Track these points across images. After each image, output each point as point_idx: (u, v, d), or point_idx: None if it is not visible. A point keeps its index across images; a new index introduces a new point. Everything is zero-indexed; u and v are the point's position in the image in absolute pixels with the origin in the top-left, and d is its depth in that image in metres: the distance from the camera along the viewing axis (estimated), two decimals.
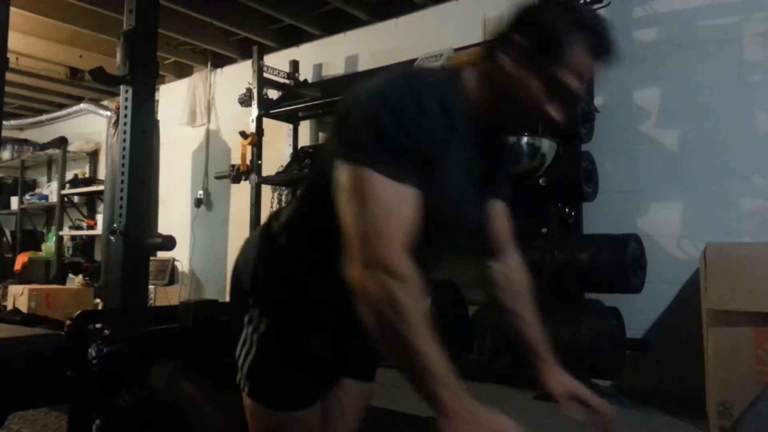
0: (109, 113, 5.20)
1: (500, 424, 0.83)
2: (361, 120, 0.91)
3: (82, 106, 5.92)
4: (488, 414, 0.83)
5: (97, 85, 5.22)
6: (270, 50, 4.56)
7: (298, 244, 1.09)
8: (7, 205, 6.69)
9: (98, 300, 4.43)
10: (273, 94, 4.34)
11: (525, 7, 1.03)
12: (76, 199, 6.18)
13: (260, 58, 4.19)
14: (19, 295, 4.47)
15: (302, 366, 1.12)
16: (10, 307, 4.31)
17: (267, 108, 4.20)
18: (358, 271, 0.86)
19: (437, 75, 1.07)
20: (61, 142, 6.16)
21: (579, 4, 1.08)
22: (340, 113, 0.99)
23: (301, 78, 4.40)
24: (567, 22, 0.98)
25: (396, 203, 0.87)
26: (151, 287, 4.27)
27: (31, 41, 4.63)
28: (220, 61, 5.10)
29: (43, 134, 6.67)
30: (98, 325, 1.80)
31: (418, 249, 0.90)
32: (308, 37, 4.50)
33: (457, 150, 0.97)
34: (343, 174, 0.90)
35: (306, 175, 1.07)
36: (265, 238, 1.15)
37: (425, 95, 0.93)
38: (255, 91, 4.17)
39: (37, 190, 6.70)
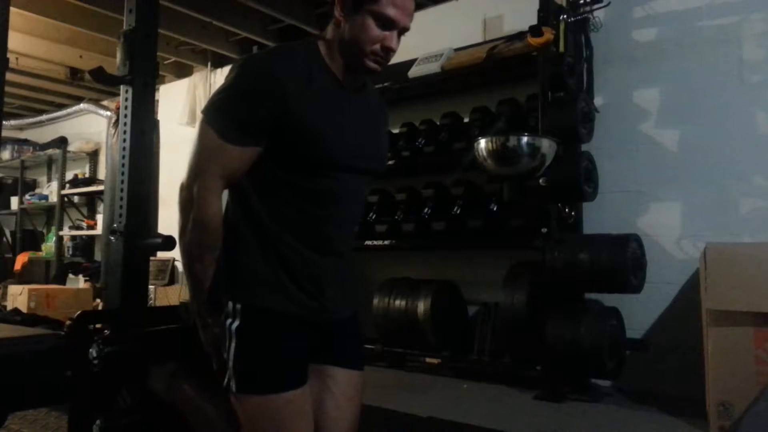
0: (109, 113, 5.20)
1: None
2: (224, 87, 1.17)
3: (82, 106, 5.92)
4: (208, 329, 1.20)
5: (97, 85, 5.23)
6: None
7: (239, 220, 1.22)
8: (7, 205, 6.69)
9: (98, 300, 4.42)
10: None
11: None
12: (76, 199, 6.18)
13: None
14: (18, 295, 4.47)
15: (282, 341, 1.16)
16: (9, 307, 4.31)
17: None
18: (179, 198, 1.21)
19: (302, 44, 1.29)
20: (61, 142, 6.17)
21: None
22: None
23: None
24: None
25: (223, 157, 1.15)
26: (151, 287, 4.27)
27: (31, 41, 4.62)
28: (220, 61, 5.10)
29: (43, 134, 6.67)
30: (98, 325, 1.80)
31: (328, 182, 1.18)
32: (308, 37, 4.50)
33: (320, 94, 1.18)
34: (199, 123, 1.19)
35: None
36: (223, 238, 1.24)
37: (281, 62, 1.17)
38: None
39: (37, 190, 6.69)
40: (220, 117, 1.15)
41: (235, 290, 1.18)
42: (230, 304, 1.17)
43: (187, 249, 1.19)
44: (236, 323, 1.16)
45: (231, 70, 1.19)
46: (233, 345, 1.15)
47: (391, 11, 1.16)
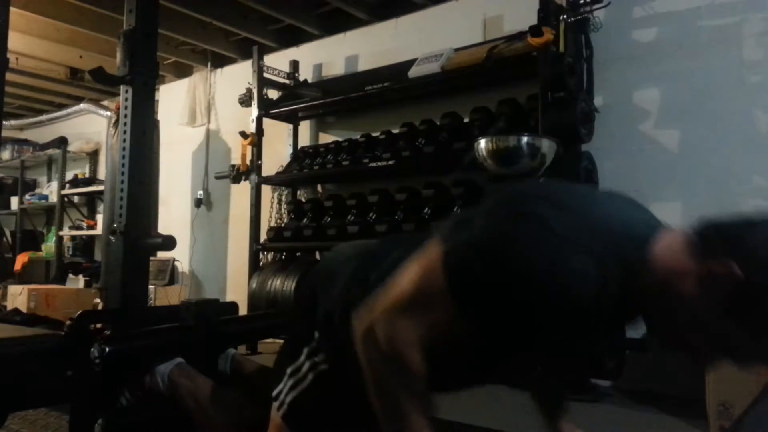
0: (109, 113, 5.20)
1: None
2: (488, 236, 0.88)
3: (82, 106, 5.92)
4: None
5: (97, 85, 5.22)
6: (270, 50, 4.56)
7: None
8: (7, 205, 6.68)
9: (98, 300, 4.43)
10: (273, 94, 4.34)
11: (737, 230, 0.88)
12: (76, 199, 6.18)
13: (260, 58, 4.19)
14: (18, 295, 4.47)
15: (345, 420, 1.13)
16: (9, 307, 4.31)
17: (267, 108, 4.20)
18: (364, 335, 0.91)
19: (623, 217, 0.95)
20: (61, 142, 6.16)
21: None
22: (490, 201, 0.95)
23: (301, 78, 4.40)
24: None
25: (440, 317, 0.88)
26: (151, 287, 4.27)
27: (31, 41, 4.62)
28: (220, 61, 5.10)
29: (43, 134, 6.67)
30: (99, 325, 1.80)
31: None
32: (308, 37, 4.50)
33: (586, 308, 0.86)
34: (433, 253, 0.90)
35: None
36: (358, 283, 1.08)
37: (581, 248, 0.83)
38: (255, 91, 4.17)
39: (37, 190, 6.69)
40: (465, 273, 0.88)
41: (337, 357, 1.10)
42: (323, 353, 1.12)
43: (385, 402, 0.93)
44: (318, 370, 1.11)
45: (511, 218, 0.88)
46: (303, 386, 1.13)
47: None
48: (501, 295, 0.84)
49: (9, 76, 3.25)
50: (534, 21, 2.89)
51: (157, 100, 5.27)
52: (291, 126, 4.38)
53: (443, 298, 0.87)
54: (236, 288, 4.54)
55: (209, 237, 5.03)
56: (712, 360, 0.93)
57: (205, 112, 5.18)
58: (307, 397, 1.12)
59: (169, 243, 1.98)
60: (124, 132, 2.02)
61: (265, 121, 4.21)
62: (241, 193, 4.49)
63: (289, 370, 1.15)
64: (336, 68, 4.37)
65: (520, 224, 0.85)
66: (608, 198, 1.01)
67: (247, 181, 4.15)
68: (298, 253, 4.11)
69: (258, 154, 4.14)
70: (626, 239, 0.88)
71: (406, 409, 0.88)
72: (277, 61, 4.42)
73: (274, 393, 1.16)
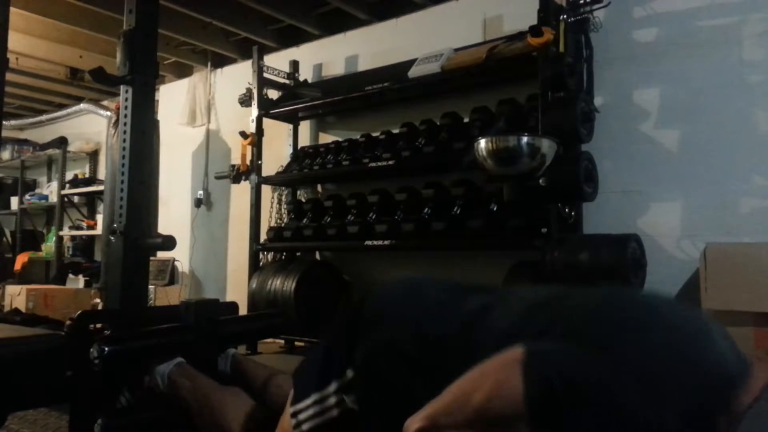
0: (109, 113, 5.20)
1: None
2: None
3: (82, 106, 5.92)
4: None
5: (97, 85, 5.22)
6: (270, 50, 4.56)
7: (432, 387, 0.90)
8: (7, 205, 6.69)
9: (97, 300, 4.43)
10: (273, 94, 4.34)
11: None
12: (76, 199, 6.18)
13: (260, 58, 4.19)
14: (17, 296, 4.47)
15: None
16: (7, 307, 4.31)
17: (267, 108, 4.20)
18: None
19: (708, 381, 0.80)
20: (61, 142, 6.16)
21: None
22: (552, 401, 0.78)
23: (301, 78, 4.40)
24: None
25: None
26: (151, 287, 4.27)
27: (31, 41, 4.62)
28: (220, 61, 5.10)
29: (43, 134, 6.67)
30: (98, 325, 1.80)
31: None
32: (308, 37, 4.50)
33: None
34: (510, 356, 0.80)
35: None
36: (407, 333, 1.03)
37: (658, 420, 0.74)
38: (255, 91, 4.17)
39: (37, 190, 6.70)
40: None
41: (372, 403, 1.07)
42: (355, 393, 1.09)
43: None
44: (345, 405, 1.09)
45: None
46: (329, 415, 1.10)
47: None
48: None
49: (9, 76, 3.25)
50: (534, 21, 2.89)
51: (157, 100, 5.27)
52: (291, 126, 4.38)
53: (515, 415, 0.76)
54: (236, 288, 4.54)
55: (209, 237, 5.03)
56: None
57: (205, 112, 5.18)
58: (327, 431, 1.10)
59: (169, 243, 1.98)
60: (124, 132, 2.02)
61: (265, 121, 4.21)
62: (241, 193, 4.49)
63: (315, 395, 1.12)
64: (336, 68, 4.37)
65: (607, 362, 0.77)
66: (703, 330, 0.87)
67: (247, 181, 4.15)
68: (298, 253, 4.11)
69: (258, 154, 4.14)
70: (720, 392, 0.80)
71: None
72: (277, 61, 4.42)
73: (293, 409, 1.14)
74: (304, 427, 1.13)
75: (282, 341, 3.85)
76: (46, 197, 6.37)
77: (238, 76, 4.65)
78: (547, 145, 2.63)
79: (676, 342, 0.81)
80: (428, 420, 0.83)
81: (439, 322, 1.02)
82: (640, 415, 0.73)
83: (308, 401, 1.13)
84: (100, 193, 5.54)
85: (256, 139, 4.13)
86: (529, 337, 0.87)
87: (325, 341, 1.21)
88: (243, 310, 3.05)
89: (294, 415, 1.14)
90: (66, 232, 6.01)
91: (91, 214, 6.12)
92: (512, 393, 0.76)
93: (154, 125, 4.06)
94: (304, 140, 4.44)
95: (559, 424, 0.75)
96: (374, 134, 3.83)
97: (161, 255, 4.83)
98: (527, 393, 0.75)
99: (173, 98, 5.41)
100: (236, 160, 4.31)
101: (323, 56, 4.46)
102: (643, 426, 0.73)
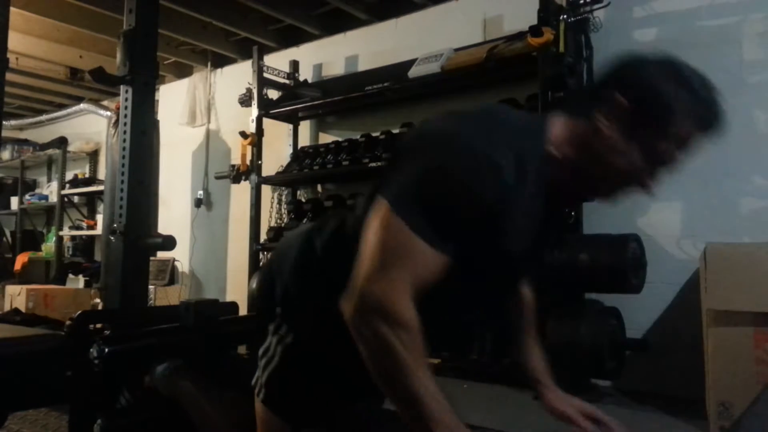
0: (109, 113, 5.20)
1: None
2: (420, 169, 0.90)
3: (82, 106, 5.92)
4: None
5: (97, 85, 5.21)
6: (270, 50, 4.56)
7: (337, 273, 0.99)
8: (7, 205, 6.69)
9: (97, 300, 4.43)
10: (273, 94, 4.34)
11: (628, 64, 0.97)
12: (76, 199, 6.18)
13: (260, 58, 4.19)
14: (16, 296, 4.47)
15: (320, 387, 1.12)
16: (7, 307, 4.31)
17: (267, 108, 4.20)
18: (354, 309, 0.88)
19: (520, 123, 0.98)
20: (61, 142, 6.16)
21: (687, 65, 1.00)
22: (405, 145, 0.98)
23: (301, 78, 4.40)
24: (676, 86, 0.92)
25: (418, 259, 0.87)
26: (151, 287, 4.27)
27: (31, 41, 4.62)
28: (220, 61, 5.10)
29: (43, 134, 6.67)
30: (98, 325, 1.80)
31: (478, 287, 0.99)
32: (308, 37, 4.50)
33: (523, 204, 0.92)
34: (381, 210, 0.90)
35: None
36: (305, 253, 1.12)
37: (499, 149, 0.88)
38: (255, 91, 4.17)
39: (37, 190, 6.69)
40: (417, 210, 0.87)
41: (299, 321, 1.11)
42: (285, 325, 1.13)
43: (391, 367, 0.86)
44: (285, 343, 1.13)
45: (433, 147, 0.92)
46: (274, 363, 1.14)
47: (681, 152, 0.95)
48: (450, 211, 0.88)
49: (9, 76, 3.25)
50: (534, 21, 2.89)
51: (157, 100, 5.27)
52: (291, 126, 4.38)
53: (407, 237, 0.87)
54: (236, 288, 4.54)
55: (209, 237, 5.02)
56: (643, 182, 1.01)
57: (205, 112, 5.18)
58: (280, 373, 1.12)
59: (169, 243, 1.98)
60: (124, 132, 2.02)
61: (265, 121, 4.21)
62: (241, 193, 4.49)
63: (260, 353, 1.16)
64: (336, 68, 4.37)
65: (443, 149, 0.91)
66: (501, 111, 1.05)
67: (247, 181, 4.15)
68: None
69: (258, 154, 4.14)
70: (529, 139, 0.95)
71: (417, 387, 0.86)
72: (277, 61, 4.42)
73: (253, 382, 1.17)
74: (262, 381, 1.14)
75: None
76: (46, 197, 6.37)
77: (238, 76, 4.65)
78: None
79: (489, 120, 0.98)
80: (353, 294, 0.89)
81: (320, 236, 1.14)
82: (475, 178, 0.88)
83: (259, 362, 1.17)
84: (100, 193, 5.54)
85: (256, 139, 4.13)
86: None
87: (257, 310, 1.27)
88: (243, 310, 3.05)
89: (255, 385, 1.16)
90: (66, 232, 6.01)
91: (91, 214, 6.12)
92: (391, 221, 0.89)
93: (154, 125, 4.06)
94: (304, 140, 4.43)
95: (428, 216, 0.88)
96: (374, 134, 3.83)
97: (161, 255, 4.83)
98: (397, 211, 0.89)
99: (173, 98, 5.41)
100: (236, 160, 4.31)
101: (323, 56, 4.46)
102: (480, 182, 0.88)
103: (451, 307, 1.04)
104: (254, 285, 3.67)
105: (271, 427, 1.14)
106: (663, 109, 0.91)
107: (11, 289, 4.59)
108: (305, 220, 3.88)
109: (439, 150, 0.91)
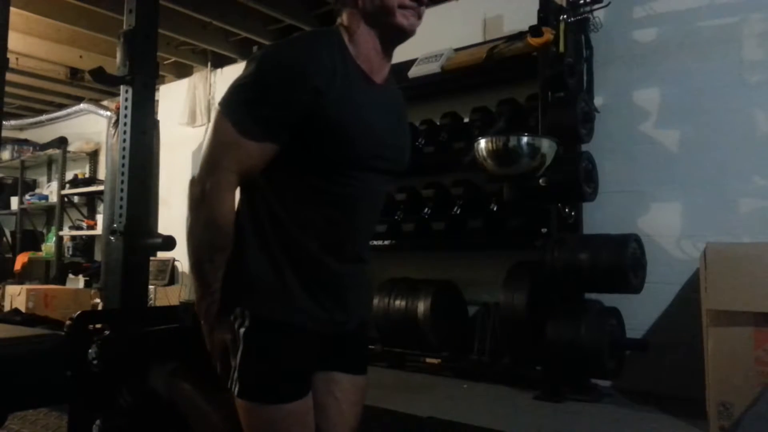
0: (109, 113, 5.20)
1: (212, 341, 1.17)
2: (244, 79, 1.09)
3: (82, 106, 5.92)
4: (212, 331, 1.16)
5: (97, 85, 5.23)
6: None
7: (251, 222, 1.16)
8: (7, 205, 6.69)
9: (97, 300, 4.42)
10: None
11: None
12: (76, 199, 6.18)
13: None
14: (17, 296, 4.47)
15: (288, 351, 1.12)
16: (7, 307, 4.31)
17: None
18: (193, 183, 1.10)
19: (319, 36, 1.17)
20: (61, 142, 6.17)
21: None
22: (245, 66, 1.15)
23: None
24: None
25: (241, 152, 1.08)
26: (151, 287, 4.27)
27: (31, 41, 4.63)
28: (220, 61, 5.10)
29: (43, 134, 6.67)
30: (98, 325, 1.80)
31: (349, 180, 1.13)
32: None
33: (346, 88, 1.09)
34: (215, 116, 1.11)
35: None
36: (233, 239, 1.16)
37: (302, 56, 1.08)
38: None
39: (37, 190, 6.70)
40: (238, 110, 1.07)
41: (244, 296, 1.13)
42: (238, 309, 1.13)
43: (196, 248, 1.11)
44: (243, 328, 1.12)
45: (250, 61, 1.11)
46: (240, 349, 1.11)
47: None
48: (264, 109, 1.07)
49: (9, 76, 3.25)
50: (534, 21, 2.89)
51: (157, 100, 5.27)
52: None
53: (230, 134, 1.07)
54: None
55: None
56: None
57: (205, 112, 5.18)
58: (245, 358, 1.11)
59: (169, 243, 1.98)
60: (124, 132, 2.02)
61: None
62: None
63: (232, 355, 1.14)
64: None
65: (258, 61, 1.10)
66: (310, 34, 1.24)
67: None
68: None
69: None
70: (327, 35, 1.15)
71: (204, 271, 1.11)
72: None
73: (229, 385, 1.15)
74: (234, 375, 1.13)
75: None
76: (46, 197, 6.37)
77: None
78: (547, 145, 2.64)
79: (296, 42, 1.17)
80: (196, 176, 1.12)
81: None
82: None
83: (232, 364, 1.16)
84: (100, 193, 5.54)
85: None
86: None
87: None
88: None
89: (230, 385, 1.14)
90: (66, 232, 6.01)
91: (91, 214, 6.12)
92: (222, 121, 1.09)
93: (154, 125, 4.05)
94: None
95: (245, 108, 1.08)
96: None
97: (161, 255, 4.82)
98: (225, 112, 1.10)
99: (173, 98, 5.41)
100: None
101: None
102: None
103: (331, 226, 1.14)
104: None
105: (254, 422, 1.13)
106: None
107: (11, 289, 4.59)
108: None
109: (253, 61, 1.10)
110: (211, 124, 1.12)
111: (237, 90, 1.09)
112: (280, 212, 1.13)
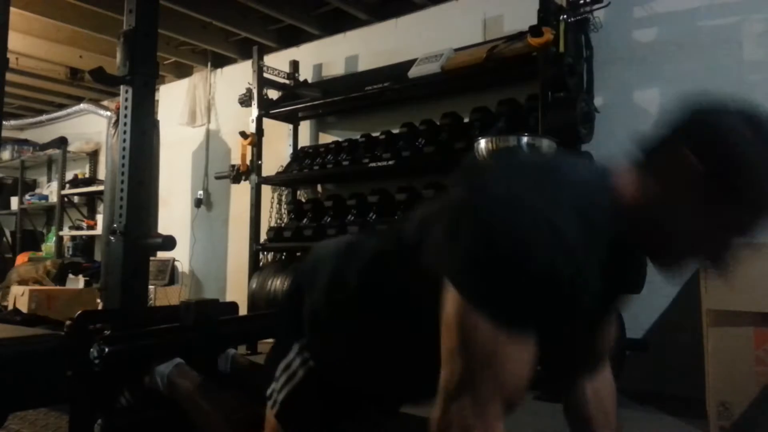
0: (109, 113, 5.20)
1: None
2: (480, 246, 0.78)
3: (82, 106, 5.92)
4: None
5: (97, 85, 5.22)
6: (270, 50, 4.56)
7: (372, 310, 0.99)
8: (7, 205, 6.68)
9: (97, 300, 4.42)
10: (273, 94, 4.34)
11: (701, 116, 0.86)
12: (76, 199, 6.18)
13: (260, 58, 4.19)
14: (20, 296, 4.47)
15: (335, 415, 1.12)
16: (10, 307, 4.30)
17: (267, 108, 4.20)
18: (442, 424, 0.81)
19: (583, 178, 0.87)
20: (61, 142, 6.16)
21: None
22: (453, 218, 0.85)
23: (301, 78, 4.40)
24: (760, 148, 0.79)
25: (507, 366, 0.77)
26: (151, 287, 4.27)
27: (31, 41, 4.63)
28: (220, 61, 5.10)
29: (43, 134, 6.67)
30: (98, 325, 1.80)
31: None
32: (308, 37, 4.50)
33: (591, 276, 0.82)
34: (450, 302, 0.80)
35: (391, 233, 1.12)
36: (340, 275, 1.09)
37: (563, 214, 0.78)
38: (255, 91, 4.17)
39: (37, 190, 6.69)
40: (493, 298, 0.77)
41: (324, 352, 1.11)
42: (310, 351, 1.12)
43: None
44: (308, 366, 1.11)
45: (489, 211, 0.80)
46: (294, 383, 1.12)
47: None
48: (526, 292, 0.78)
49: (9, 76, 3.24)
50: (534, 21, 2.89)
51: (157, 100, 5.27)
52: (291, 126, 4.38)
53: (490, 338, 0.77)
54: (236, 288, 4.54)
55: (209, 237, 5.03)
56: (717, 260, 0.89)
57: (205, 112, 5.18)
58: (298, 394, 1.11)
59: (169, 243, 1.98)
60: (124, 132, 2.02)
61: (265, 121, 4.21)
62: (241, 193, 4.49)
63: (281, 366, 1.15)
64: (336, 68, 4.37)
65: (501, 215, 0.79)
66: (553, 162, 0.97)
67: (247, 181, 4.15)
68: (298, 253, 4.11)
69: (258, 154, 4.14)
70: (592, 195, 0.85)
71: None
72: (277, 61, 4.42)
73: (268, 392, 1.16)
74: (279, 399, 1.14)
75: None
76: (46, 197, 6.37)
77: (238, 76, 4.65)
78: (547, 145, 2.63)
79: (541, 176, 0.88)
80: (443, 403, 0.82)
81: (356, 259, 1.09)
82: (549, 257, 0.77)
83: (277, 374, 1.15)
84: (100, 193, 5.54)
85: (256, 139, 4.13)
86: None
87: (278, 318, 1.25)
88: (243, 310, 3.05)
89: (270, 396, 1.15)
90: (66, 232, 6.01)
91: (91, 214, 6.12)
92: (474, 326, 0.77)
93: (154, 125, 4.06)
94: (304, 140, 4.43)
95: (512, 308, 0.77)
96: (374, 134, 3.83)
97: (161, 255, 4.83)
98: (480, 309, 0.77)
99: (173, 98, 5.41)
100: (236, 160, 4.31)
101: (323, 56, 4.46)
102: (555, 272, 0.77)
103: None
104: (253, 284, 3.67)
105: None
106: (743, 176, 0.78)
107: (15, 290, 4.58)
108: (305, 220, 3.88)
109: (498, 216, 0.79)
110: (448, 313, 0.80)
111: (478, 261, 0.79)
112: None
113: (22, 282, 4.78)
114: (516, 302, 0.77)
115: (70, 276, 5.54)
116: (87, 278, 5.27)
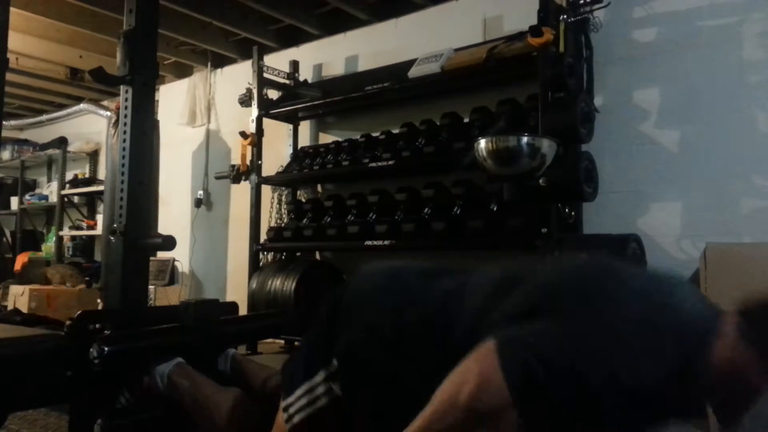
0: (109, 113, 5.20)
1: None
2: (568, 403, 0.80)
3: (82, 106, 5.92)
4: None
5: (97, 85, 5.22)
6: (270, 50, 4.56)
7: (401, 376, 1.01)
8: (7, 205, 6.69)
9: (97, 300, 4.43)
10: (273, 94, 4.34)
11: None
12: (76, 199, 6.18)
13: (260, 58, 4.19)
14: (20, 296, 4.47)
15: None
16: (10, 307, 4.31)
17: (267, 108, 4.20)
18: None
19: (691, 309, 0.90)
20: (61, 142, 6.16)
21: None
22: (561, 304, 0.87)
23: (301, 78, 4.40)
24: None
25: None
26: (151, 287, 4.27)
27: (31, 41, 4.62)
28: (220, 61, 5.10)
29: (43, 134, 6.67)
30: (98, 325, 1.80)
31: None
32: (308, 37, 4.50)
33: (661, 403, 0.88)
34: (486, 357, 0.82)
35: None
36: (383, 325, 1.08)
37: (668, 338, 0.82)
38: (255, 91, 4.17)
39: (37, 190, 6.70)
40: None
41: (354, 388, 1.10)
42: (340, 382, 1.11)
43: None
44: (334, 393, 1.11)
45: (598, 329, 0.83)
46: (317, 405, 1.13)
47: None
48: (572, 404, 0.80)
49: (9, 76, 3.25)
50: (534, 21, 2.89)
51: (157, 100, 5.27)
52: (291, 126, 4.38)
53: (502, 403, 0.79)
54: (236, 288, 4.54)
55: (209, 237, 5.02)
56: None
57: (205, 112, 5.18)
58: (318, 420, 1.12)
59: (169, 243, 1.98)
60: (124, 132, 2.02)
61: (265, 121, 4.21)
62: (241, 193, 4.49)
63: (304, 387, 1.15)
64: (336, 68, 4.37)
65: (587, 326, 0.82)
66: (664, 286, 0.98)
67: (247, 181, 4.15)
68: (298, 253, 4.11)
69: (258, 154, 4.14)
70: (688, 339, 0.88)
71: None
72: (277, 61, 4.42)
73: (284, 404, 1.16)
74: (296, 419, 1.14)
75: (282, 341, 3.84)
76: (46, 197, 6.37)
77: (238, 76, 4.65)
78: (547, 145, 2.63)
79: (648, 304, 0.89)
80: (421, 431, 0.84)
81: (414, 306, 1.07)
82: (623, 379, 0.80)
83: (298, 393, 1.16)
84: (100, 193, 5.54)
85: (256, 139, 4.13)
86: (501, 316, 0.90)
87: (310, 334, 1.24)
88: (243, 310, 3.05)
89: (285, 409, 1.16)
90: (66, 232, 6.01)
91: (91, 214, 6.12)
92: (495, 384, 0.79)
93: (154, 125, 4.06)
94: (304, 140, 4.43)
95: (547, 402, 0.78)
96: (374, 134, 3.83)
97: (161, 255, 4.83)
98: (509, 381, 0.78)
99: (173, 98, 5.41)
100: (236, 160, 4.31)
101: (323, 56, 4.46)
102: (626, 389, 0.80)
103: None
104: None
105: None
106: None
107: (15, 290, 4.59)
108: (305, 220, 3.88)
109: (583, 325, 0.82)
110: None
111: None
112: None
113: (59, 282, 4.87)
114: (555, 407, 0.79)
115: None
116: (87, 278, 5.28)
